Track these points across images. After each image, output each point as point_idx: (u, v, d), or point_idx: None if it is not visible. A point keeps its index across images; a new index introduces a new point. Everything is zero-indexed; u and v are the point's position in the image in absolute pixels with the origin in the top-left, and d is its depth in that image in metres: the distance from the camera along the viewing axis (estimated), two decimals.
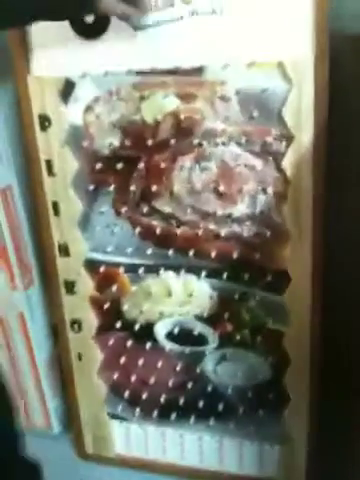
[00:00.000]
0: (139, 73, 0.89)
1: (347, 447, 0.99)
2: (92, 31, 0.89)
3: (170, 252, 0.98)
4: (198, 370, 1.04)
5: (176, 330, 1.02)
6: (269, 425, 1.05)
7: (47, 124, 0.96)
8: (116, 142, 0.94)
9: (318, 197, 0.86)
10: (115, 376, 1.10)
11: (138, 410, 1.12)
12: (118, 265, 1.02)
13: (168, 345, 1.04)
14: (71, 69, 0.92)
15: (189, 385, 1.05)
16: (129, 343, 1.06)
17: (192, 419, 1.09)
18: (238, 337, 0.99)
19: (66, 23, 0.87)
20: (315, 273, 0.91)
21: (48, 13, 0.71)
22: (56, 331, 1.17)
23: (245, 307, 0.98)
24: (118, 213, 0.99)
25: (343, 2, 0.82)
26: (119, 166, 0.94)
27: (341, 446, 1.04)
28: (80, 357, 1.12)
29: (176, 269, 0.99)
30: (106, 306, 1.06)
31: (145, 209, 0.96)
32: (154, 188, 0.94)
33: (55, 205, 1.02)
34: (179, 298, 1.01)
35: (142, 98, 0.90)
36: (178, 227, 0.96)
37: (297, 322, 0.95)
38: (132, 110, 0.91)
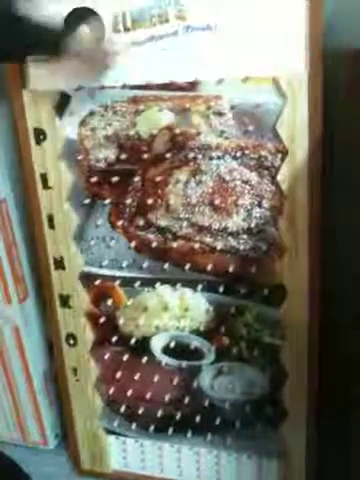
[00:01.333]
0: (134, 87, 0.89)
1: (346, 461, 0.99)
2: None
3: (166, 266, 0.97)
4: (195, 384, 1.03)
5: (172, 344, 1.02)
6: (267, 439, 1.04)
7: (42, 138, 0.96)
8: (112, 156, 0.94)
9: (314, 211, 0.86)
10: (111, 391, 1.10)
11: (135, 425, 1.11)
12: (114, 279, 1.02)
13: (164, 359, 1.03)
14: (66, 83, 0.92)
15: (186, 400, 1.05)
16: (125, 357, 1.05)
17: (189, 434, 1.08)
18: (235, 351, 0.99)
19: None
20: (312, 286, 0.90)
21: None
22: (51, 345, 1.16)
23: (241, 321, 0.97)
24: (114, 226, 0.98)
25: (338, 18, 0.83)
26: (114, 180, 0.94)
27: (340, 460, 1.03)
28: (75, 371, 1.11)
29: (172, 283, 0.99)
30: (102, 320, 1.05)
31: (141, 222, 0.96)
32: (150, 202, 0.94)
33: (50, 218, 1.01)
34: (175, 312, 1.01)
35: (137, 112, 0.90)
36: (174, 240, 0.96)
37: (294, 336, 0.94)
38: (127, 124, 0.91)
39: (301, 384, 0.97)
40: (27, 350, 1.19)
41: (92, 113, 0.93)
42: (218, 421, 1.05)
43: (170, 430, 1.09)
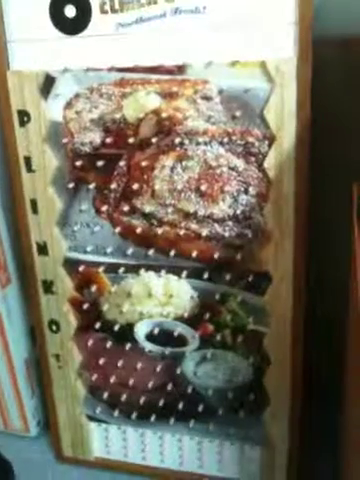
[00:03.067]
0: (121, 70, 0.88)
1: (330, 447, 1.00)
2: (73, 26, 0.87)
3: (151, 252, 0.97)
4: (178, 371, 1.03)
5: (156, 331, 1.01)
6: (250, 426, 1.05)
7: (26, 120, 0.94)
8: (97, 140, 0.92)
9: (300, 198, 0.86)
10: (94, 377, 1.09)
11: (117, 412, 1.11)
12: (98, 265, 1.01)
13: (148, 346, 1.03)
14: (51, 64, 0.90)
15: (169, 386, 1.04)
16: (108, 344, 1.04)
17: (172, 421, 1.08)
18: (219, 338, 0.99)
19: (46, 17, 0.85)
20: (297, 274, 0.90)
21: None
22: (33, 332, 1.15)
23: (226, 308, 0.97)
24: (98, 212, 0.97)
25: (328, 4, 0.82)
26: (100, 164, 0.93)
27: (324, 446, 1.04)
28: (58, 358, 1.10)
29: (157, 269, 0.98)
30: (85, 306, 1.04)
31: (126, 208, 0.95)
32: (135, 187, 0.93)
33: (33, 203, 1.00)
34: (159, 299, 1.00)
35: (124, 95, 0.89)
36: (159, 227, 0.95)
37: (278, 323, 0.95)
38: (113, 107, 0.90)
39: (284, 372, 0.98)
40: (9, 336, 1.18)
41: (78, 95, 0.91)
42: (201, 408, 1.05)
43: (153, 417, 1.09)
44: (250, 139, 0.86)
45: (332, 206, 0.89)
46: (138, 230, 0.96)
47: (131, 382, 1.06)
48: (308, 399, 1.02)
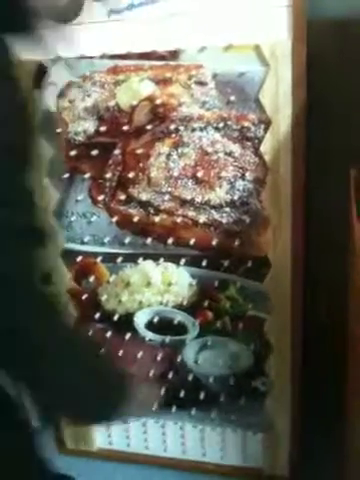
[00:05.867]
0: (114, 57, 0.87)
1: (331, 433, 0.99)
2: (65, 14, 0.86)
3: (148, 241, 0.96)
4: (179, 359, 1.03)
5: (156, 320, 1.01)
6: (251, 413, 1.05)
7: None
8: (91, 128, 0.91)
9: (297, 182, 0.85)
10: None
11: None
12: (96, 255, 1.00)
13: (148, 335, 1.03)
14: (44, 53, 0.89)
15: (170, 375, 1.04)
16: (108, 334, 1.04)
17: (173, 409, 1.08)
18: (218, 325, 0.99)
19: None
20: (295, 258, 0.90)
21: None
22: None
23: (225, 295, 0.97)
24: (95, 201, 0.96)
25: None
26: (94, 153, 0.92)
27: (325, 432, 1.04)
28: None
29: (155, 258, 0.98)
30: (84, 297, 1.03)
31: (122, 197, 0.95)
32: (131, 175, 0.92)
33: None
34: (158, 287, 1.00)
35: (117, 83, 0.88)
36: (156, 215, 0.95)
37: (278, 308, 0.94)
38: (107, 95, 0.89)
39: (285, 357, 0.97)
40: None
41: (70, 84, 0.90)
42: (202, 395, 1.05)
43: (154, 406, 1.08)
44: (246, 124, 0.85)
45: (329, 190, 0.89)
46: (135, 219, 0.95)
47: (132, 371, 1.06)
48: (309, 384, 1.02)
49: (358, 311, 0.66)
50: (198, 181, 0.91)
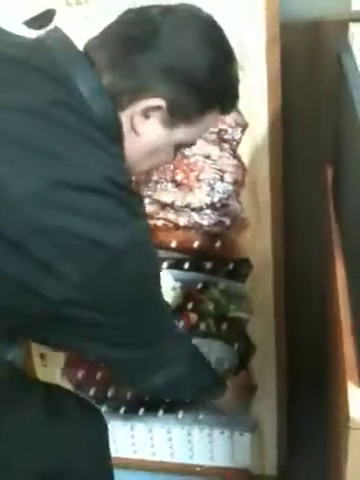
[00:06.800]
0: None
1: (318, 431, 1.00)
2: (38, 21, 0.86)
3: None
4: None
5: None
6: (238, 414, 1.05)
7: None
8: None
9: (275, 183, 0.86)
10: (79, 375, 1.08)
11: (105, 407, 1.10)
12: None
13: None
14: None
15: None
16: None
17: (160, 412, 1.08)
18: (203, 327, 0.99)
19: (15, 12, 0.84)
20: (275, 258, 0.91)
21: None
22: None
23: (208, 296, 0.97)
24: None
25: None
26: None
27: (312, 431, 1.05)
28: (43, 357, 1.09)
29: None
30: None
31: None
32: None
33: None
34: None
35: None
36: None
37: (260, 308, 0.95)
38: None
39: (269, 356, 0.98)
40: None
41: None
42: None
43: (141, 410, 1.08)
44: (223, 126, 0.86)
45: (306, 189, 0.90)
46: None
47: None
48: (294, 383, 1.03)
49: (337, 310, 0.67)
50: (178, 184, 0.91)
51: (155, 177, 0.91)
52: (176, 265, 0.97)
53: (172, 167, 0.90)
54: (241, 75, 0.80)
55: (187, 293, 0.98)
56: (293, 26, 0.82)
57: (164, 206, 0.93)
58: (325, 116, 0.85)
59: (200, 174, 0.90)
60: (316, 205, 0.84)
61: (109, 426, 1.12)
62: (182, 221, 0.93)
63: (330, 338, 0.85)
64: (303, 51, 0.85)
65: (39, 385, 0.81)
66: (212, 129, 0.86)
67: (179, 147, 0.66)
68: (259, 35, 0.79)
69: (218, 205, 0.91)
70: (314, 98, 0.86)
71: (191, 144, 0.69)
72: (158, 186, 0.92)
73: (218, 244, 0.93)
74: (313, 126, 0.87)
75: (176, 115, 0.60)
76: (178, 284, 0.98)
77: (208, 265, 0.95)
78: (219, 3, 0.79)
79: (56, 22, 0.85)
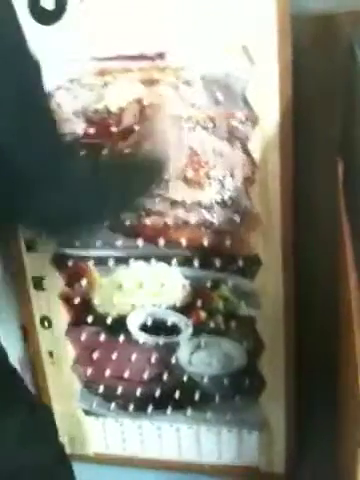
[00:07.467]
0: (101, 59, 0.87)
1: (327, 429, 1.00)
2: (50, 17, 0.86)
3: (140, 242, 0.96)
4: (173, 360, 1.03)
5: (149, 321, 1.01)
6: (246, 411, 1.05)
7: None
8: (79, 130, 0.91)
9: (286, 179, 0.86)
10: (89, 372, 1.08)
11: (113, 405, 1.10)
12: (87, 258, 1.00)
13: (142, 337, 1.03)
14: None
15: (164, 376, 1.04)
16: (102, 337, 1.04)
17: (169, 410, 1.08)
18: (212, 325, 0.99)
19: (24, 8, 0.84)
20: (285, 256, 0.91)
21: None
22: (25, 331, 1.14)
23: (218, 294, 0.97)
24: None
25: None
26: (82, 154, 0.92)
27: (320, 428, 1.05)
28: (51, 354, 1.09)
29: (146, 259, 0.98)
30: (76, 301, 1.03)
31: None
32: None
33: None
34: (151, 289, 1.00)
35: (105, 85, 0.88)
36: (147, 216, 0.95)
37: (269, 306, 0.95)
38: (95, 97, 0.89)
39: (278, 354, 0.98)
40: (1, 335, 1.16)
41: (58, 87, 0.90)
42: (197, 396, 1.05)
43: (149, 408, 1.08)
44: (234, 122, 0.86)
45: (318, 184, 0.89)
46: (126, 221, 0.95)
47: (126, 374, 1.06)
48: (303, 381, 1.03)
49: (349, 308, 0.67)
50: (188, 181, 0.91)
51: (166, 175, 0.91)
52: (185, 262, 0.96)
53: (182, 164, 0.90)
54: (252, 69, 0.81)
55: (197, 291, 0.98)
56: (305, 18, 0.82)
57: (174, 204, 0.93)
58: (337, 111, 0.85)
59: (210, 171, 0.89)
60: (328, 201, 0.83)
61: (117, 424, 1.14)
62: (192, 219, 0.93)
63: (341, 336, 0.84)
64: (315, 44, 0.84)
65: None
66: (223, 125, 0.86)
67: None
68: (270, 28, 0.78)
69: (228, 202, 0.91)
70: (326, 92, 0.86)
71: None
72: (168, 183, 0.92)
73: (228, 241, 0.93)
74: (325, 121, 0.87)
75: None
76: (188, 282, 0.98)
77: (218, 262, 0.95)
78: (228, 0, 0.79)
79: None
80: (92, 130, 0.91)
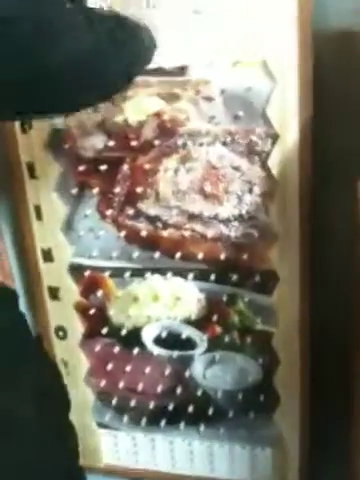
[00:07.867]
0: None
1: (341, 447, 0.98)
2: None
3: (156, 255, 0.96)
4: (187, 375, 1.02)
5: (164, 334, 1.01)
6: (260, 428, 1.04)
7: (28, 127, 0.94)
8: (99, 144, 0.92)
9: (305, 196, 0.86)
10: (102, 383, 1.08)
11: (126, 418, 1.10)
12: (103, 270, 1.00)
13: (156, 350, 1.02)
14: None
15: (178, 390, 1.04)
16: (116, 349, 1.04)
17: (182, 425, 1.07)
18: (227, 339, 0.98)
19: None
20: (303, 272, 0.90)
21: None
22: (40, 339, 1.14)
23: (233, 309, 0.97)
24: (103, 216, 0.97)
25: None
26: (103, 168, 0.93)
27: (335, 446, 1.03)
28: (66, 365, 1.09)
29: (163, 272, 0.98)
30: (92, 312, 1.04)
31: (130, 212, 0.95)
32: (139, 190, 0.93)
33: (37, 209, 0.99)
34: (166, 302, 1.00)
35: (125, 99, 0.89)
36: (164, 229, 0.95)
37: (286, 322, 0.94)
38: (115, 111, 0.90)
39: (293, 371, 0.97)
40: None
41: None
42: (211, 411, 1.04)
43: (162, 422, 1.08)
44: (253, 138, 0.86)
45: (336, 202, 0.89)
46: (143, 233, 0.96)
47: (140, 387, 1.05)
48: (318, 398, 1.01)
49: None
50: (206, 195, 0.91)
51: (183, 188, 0.91)
52: (202, 276, 0.96)
53: (201, 178, 0.90)
54: (272, 85, 0.81)
55: (212, 305, 0.97)
56: (326, 35, 0.81)
57: (192, 217, 0.93)
58: (357, 128, 0.84)
59: (229, 186, 0.89)
60: (346, 218, 0.83)
61: (129, 438, 1.13)
62: (209, 233, 0.93)
63: (357, 353, 0.83)
64: (336, 61, 0.84)
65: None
66: (242, 140, 0.86)
67: None
68: (291, 44, 0.79)
69: (246, 217, 0.91)
70: (346, 109, 0.85)
71: None
72: (186, 197, 0.92)
73: (245, 256, 0.93)
74: (345, 138, 0.86)
75: None
76: (203, 295, 0.97)
77: (234, 277, 0.95)
78: (249, 12, 0.79)
79: None
80: (112, 143, 0.91)
